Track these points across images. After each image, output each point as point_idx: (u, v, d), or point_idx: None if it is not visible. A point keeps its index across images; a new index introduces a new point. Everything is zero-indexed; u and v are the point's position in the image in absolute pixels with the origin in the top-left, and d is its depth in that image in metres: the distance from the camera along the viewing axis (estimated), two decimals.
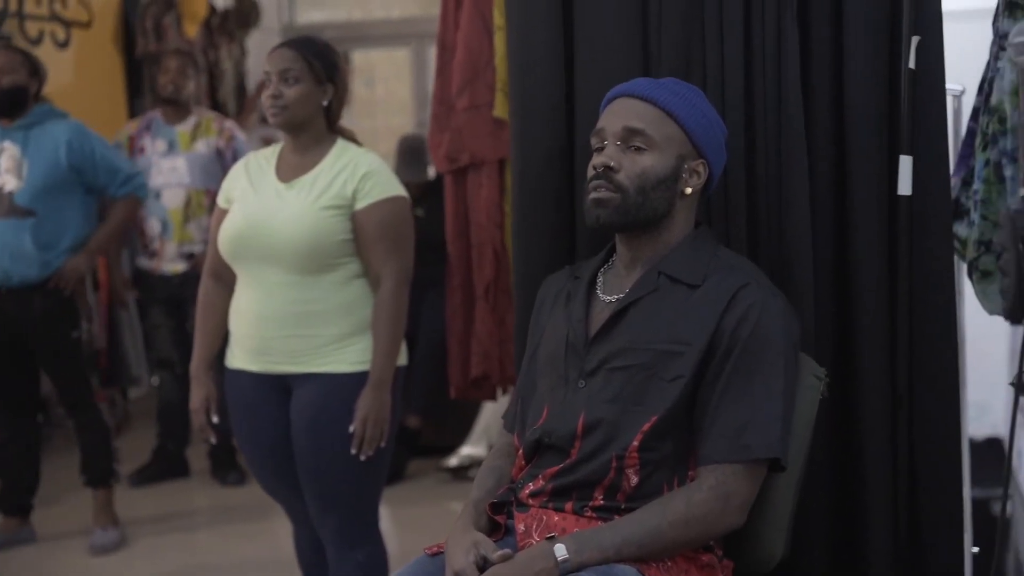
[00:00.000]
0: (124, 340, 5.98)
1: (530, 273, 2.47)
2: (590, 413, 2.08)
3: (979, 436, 4.92)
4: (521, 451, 2.19)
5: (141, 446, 5.56)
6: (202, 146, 5.07)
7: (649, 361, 2.06)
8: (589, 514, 2.06)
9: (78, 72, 6.21)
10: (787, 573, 2.23)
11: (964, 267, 2.77)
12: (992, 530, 4.66)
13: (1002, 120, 2.57)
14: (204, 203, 5.03)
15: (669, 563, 2.01)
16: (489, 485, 2.24)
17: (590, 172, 2.14)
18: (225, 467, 5.28)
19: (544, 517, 2.09)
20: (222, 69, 7.01)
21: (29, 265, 4.18)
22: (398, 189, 2.97)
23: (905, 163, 2.29)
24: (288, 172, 2.97)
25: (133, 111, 6.61)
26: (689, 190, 2.14)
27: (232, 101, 7.03)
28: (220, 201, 3.06)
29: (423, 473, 5.26)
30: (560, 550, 1.96)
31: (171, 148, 5.05)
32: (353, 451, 2.91)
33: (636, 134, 2.10)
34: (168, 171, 5.01)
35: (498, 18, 3.62)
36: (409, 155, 5.54)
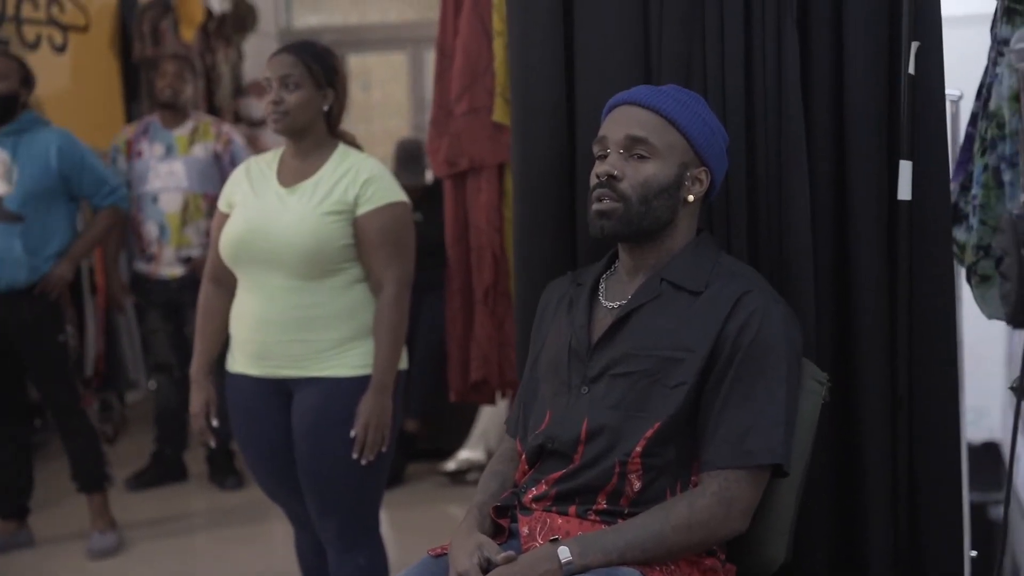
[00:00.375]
0: (122, 344, 5.99)
1: (531, 278, 2.48)
2: (593, 419, 2.08)
3: (976, 440, 4.93)
4: (524, 456, 2.20)
5: (139, 450, 5.57)
6: (200, 150, 5.07)
7: (652, 367, 2.07)
8: (592, 518, 2.07)
9: (75, 76, 6.21)
10: None
11: (962, 271, 2.78)
12: (989, 534, 4.67)
13: (1001, 125, 2.58)
14: (202, 207, 5.04)
15: (672, 567, 2.02)
16: (492, 489, 2.25)
17: (593, 180, 2.15)
18: (223, 471, 5.28)
19: (548, 520, 2.10)
20: (219, 73, 7.01)
21: (18, 270, 4.20)
22: (400, 195, 2.98)
23: (905, 168, 2.30)
24: (290, 177, 2.98)
25: (130, 115, 6.61)
26: (691, 198, 2.14)
27: (229, 105, 7.03)
28: (221, 205, 3.07)
29: (421, 477, 5.27)
30: (564, 552, 1.96)
31: (169, 152, 5.05)
32: (355, 455, 2.91)
33: (639, 142, 2.11)
34: (166, 175, 5.01)
35: (497, 23, 3.63)
36: (406, 159, 5.56)
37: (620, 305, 2.15)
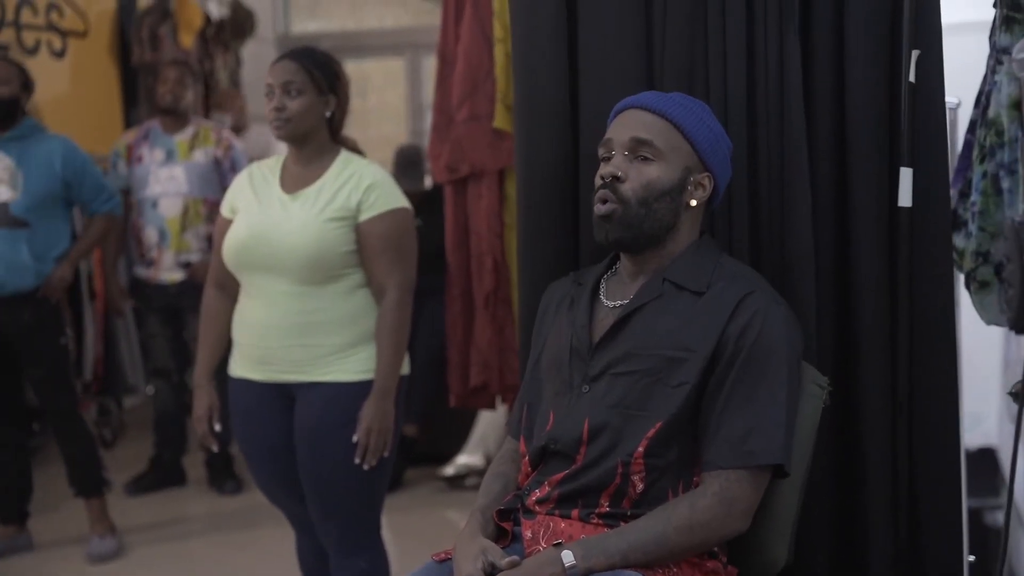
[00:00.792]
0: (120, 349, 6.00)
1: (534, 281, 2.49)
2: (594, 418, 2.10)
3: (972, 446, 4.94)
4: (527, 458, 2.21)
5: (137, 455, 5.58)
6: (200, 155, 5.09)
7: (653, 367, 2.08)
8: (595, 521, 2.08)
9: (74, 82, 6.22)
10: None
11: (960, 278, 2.80)
12: (986, 539, 4.68)
13: (1000, 133, 2.60)
14: (202, 212, 5.05)
15: (675, 569, 2.03)
16: (495, 492, 2.26)
17: (597, 182, 2.17)
18: (222, 476, 5.29)
19: (551, 524, 2.11)
20: (217, 79, 7.02)
21: (24, 275, 4.23)
22: (402, 201, 3.00)
23: (905, 175, 2.32)
24: (292, 183, 2.99)
25: (129, 121, 6.63)
26: (694, 202, 2.16)
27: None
28: (224, 211, 3.08)
29: (420, 482, 5.28)
30: (567, 556, 1.97)
31: (169, 157, 5.07)
32: (357, 460, 2.93)
33: (644, 144, 2.13)
34: (166, 180, 5.03)
35: (498, 30, 3.65)
36: (406, 165, 5.58)
37: (622, 304, 2.17)
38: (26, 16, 5.87)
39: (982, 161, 2.67)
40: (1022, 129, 2.56)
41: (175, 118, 5.13)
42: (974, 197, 2.70)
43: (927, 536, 2.40)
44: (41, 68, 5.48)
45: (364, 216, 2.93)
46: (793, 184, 2.34)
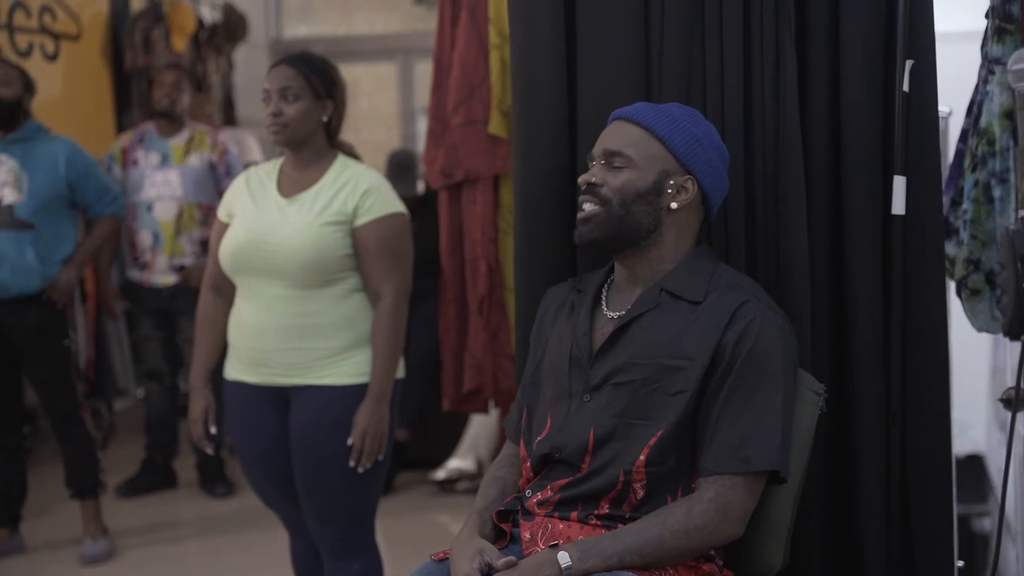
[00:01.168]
0: (111, 352, 6.01)
1: (531, 286, 2.51)
2: (599, 428, 2.12)
3: (960, 453, 4.98)
4: (529, 463, 2.23)
5: (127, 458, 5.58)
6: (195, 160, 5.10)
7: (652, 375, 2.11)
8: (594, 522, 2.11)
9: (66, 85, 6.23)
10: None
11: (951, 285, 2.82)
12: (973, 545, 4.72)
13: (991, 142, 2.63)
14: (196, 216, 5.07)
15: (671, 572, 2.06)
16: (492, 495, 2.29)
17: (579, 190, 2.22)
18: (213, 479, 5.29)
19: (549, 525, 2.13)
20: (209, 83, 7.04)
21: (30, 277, 4.23)
22: (398, 206, 3.02)
23: (899, 183, 2.34)
24: (289, 187, 3.01)
25: (121, 124, 6.64)
26: (675, 205, 2.18)
27: (219, 114, 7.06)
28: (221, 215, 3.10)
29: (411, 486, 5.29)
30: (564, 557, 2.00)
31: (164, 161, 5.08)
32: (352, 464, 2.94)
33: (614, 155, 2.18)
34: (161, 184, 5.04)
35: (494, 36, 3.68)
36: (398, 170, 5.59)
37: (620, 315, 2.19)
38: (19, 19, 5.87)
39: (974, 170, 2.70)
40: (1014, 138, 2.60)
41: (171, 122, 5.15)
42: (965, 205, 2.73)
43: (919, 541, 2.43)
44: (34, 71, 5.43)
45: (360, 220, 2.95)
46: (788, 192, 2.37)
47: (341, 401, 2.96)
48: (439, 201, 4.11)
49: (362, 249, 2.95)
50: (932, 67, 2.36)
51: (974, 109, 2.75)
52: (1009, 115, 2.61)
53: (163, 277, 5.08)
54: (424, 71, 8.03)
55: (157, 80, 5.20)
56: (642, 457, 2.08)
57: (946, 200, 2.81)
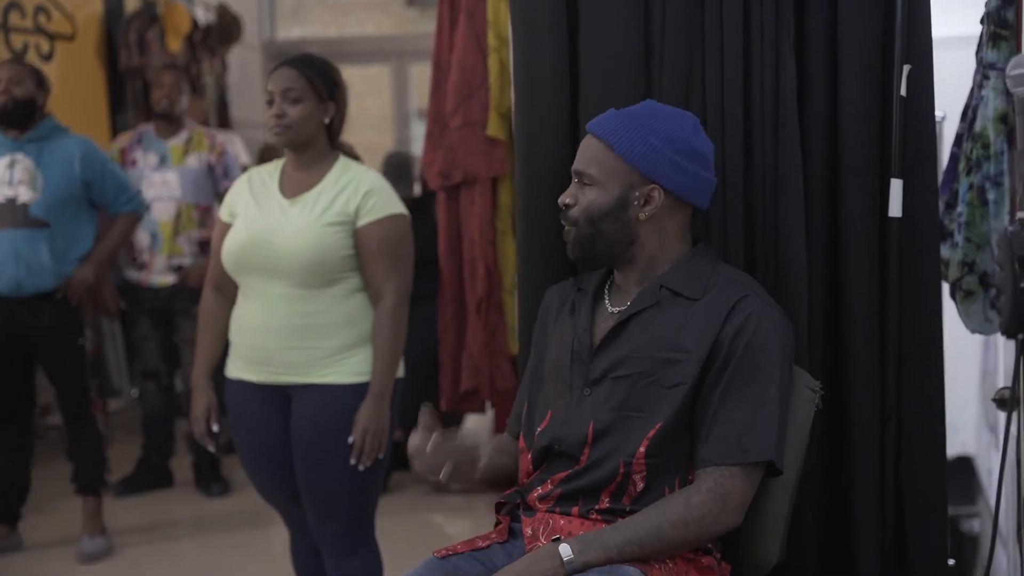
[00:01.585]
0: (106, 352, 6.02)
1: (534, 287, 2.54)
2: (598, 421, 2.16)
3: (949, 455, 5.01)
4: (530, 457, 2.27)
5: (123, 457, 5.59)
6: (193, 161, 5.13)
7: (650, 369, 2.15)
8: (594, 516, 2.14)
9: (61, 85, 6.21)
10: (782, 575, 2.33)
11: (945, 288, 2.86)
12: (962, 546, 4.76)
13: (986, 146, 2.67)
14: (194, 217, 5.10)
15: (671, 564, 2.09)
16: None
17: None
18: (209, 478, 5.32)
19: (550, 521, 2.17)
20: (203, 83, 7.06)
21: (44, 276, 4.25)
22: (399, 207, 3.05)
23: (896, 186, 2.38)
24: (291, 188, 3.04)
25: (115, 124, 6.65)
26: (643, 216, 2.20)
27: (213, 115, 7.08)
28: (223, 215, 3.12)
29: (405, 485, 5.31)
30: (565, 550, 2.04)
31: (163, 162, 5.11)
32: (352, 461, 2.97)
33: (580, 174, 2.23)
34: (159, 184, 5.06)
35: (492, 39, 3.72)
36: (394, 172, 5.61)
37: (620, 311, 2.23)
38: (14, 19, 5.89)
39: (968, 173, 2.74)
40: (1008, 142, 2.64)
41: (169, 123, 5.17)
42: (960, 208, 2.77)
43: (912, 537, 2.47)
44: None
45: (362, 221, 2.98)
46: (787, 194, 2.40)
47: (342, 400, 2.99)
48: (437, 203, 4.15)
49: (364, 250, 2.98)
50: (929, 72, 2.40)
51: (969, 113, 2.79)
52: (1004, 119, 2.65)
53: (161, 277, 5.10)
54: (418, 73, 8.07)
55: (156, 81, 5.22)
56: (642, 449, 2.12)
57: (940, 203, 2.85)
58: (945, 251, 2.82)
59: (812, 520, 2.43)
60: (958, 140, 2.88)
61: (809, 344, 2.40)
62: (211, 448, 3.24)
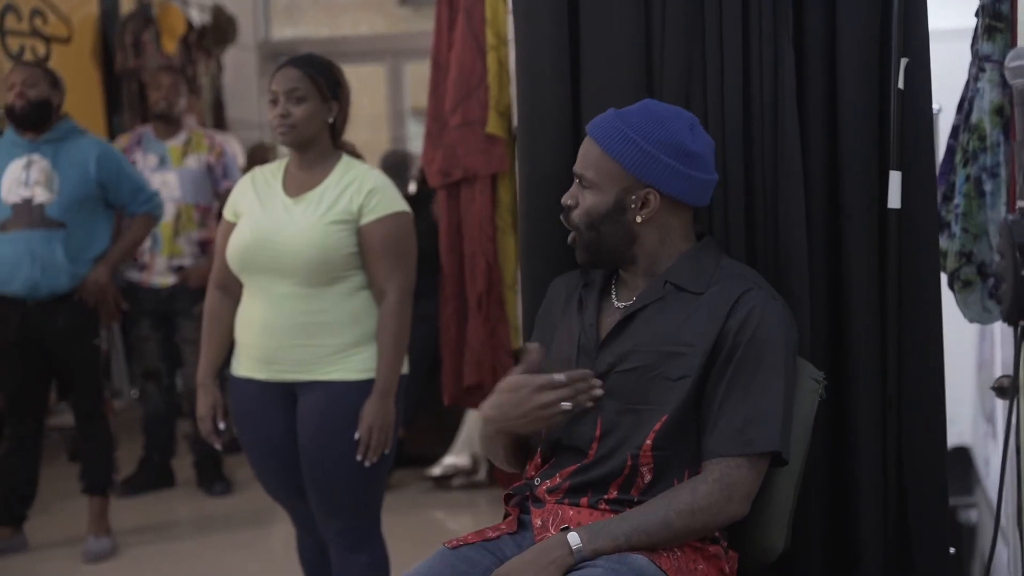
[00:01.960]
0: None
1: (536, 284, 2.55)
2: (606, 415, 2.19)
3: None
4: (539, 450, 2.29)
5: (123, 457, 5.56)
6: (193, 161, 5.15)
7: (655, 362, 2.18)
8: (603, 507, 2.17)
9: None
10: (787, 564, 2.36)
11: (943, 278, 2.89)
12: (959, 536, 4.79)
13: (982, 138, 2.70)
14: (194, 217, 5.12)
15: (679, 553, 2.12)
16: None
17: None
18: (211, 477, 5.34)
19: (560, 512, 2.19)
20: (199, 85, 7.08)
21: (59, 276, 4.27)
22: (402, 205, 3.07)
23: (895, 178, 2.41)
24: (295, 187, 3.06)
25: (111, 126, 6.67)
26: (639, 219, 2.23)
27: (209, 116, 7.10)
28: (227, 215, 3.15)
29: (407, 483, 5.34)
30: (574, 539, 2.07)
31: (162, 163, 5.13)
32: (359, 457, 3.00)
33: (581, 176, 2.26)
34: (159, 185, 5.07)
35: (491, 38, 3.74)
36: (391, 170, 5.65)
37: (627, 305, 2.26)
38: (10, 22, 5.91)
39: (965, 165, 2.77)
40: (1004, 134, 2.67)
41: (168, 124, 5.19)
42: (957, 200, 2.80)
43: (914, 526, 2.49)
44: None
45: (366, 219, 3.00)
46: (787, 186, 2.43)
47: (348, 396, 3.02)
48: (438, 200, 4.17)
49: (367, 247, 3.01)
50: (926, 65, 2.43)
51: (965, 105, 2.82)
52: (1000, 111, 2.68)
53: (162, 278, 5.13)
54: (413, 72, 8.09)
55: (153, 83, 5.24)
56: (648, 441, 2.15)
57: (938, 195, 2.88)
58: (943, 242, 2.85)
59: (816, 508, 2.46)
60: (954, 132, 2.91)
61: (811, 335, 2.43)
62: (217, 446, 3.26)
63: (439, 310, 4.40)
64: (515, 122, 3.63)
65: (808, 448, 2.29)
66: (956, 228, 2.80)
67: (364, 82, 8.49)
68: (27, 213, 4.21)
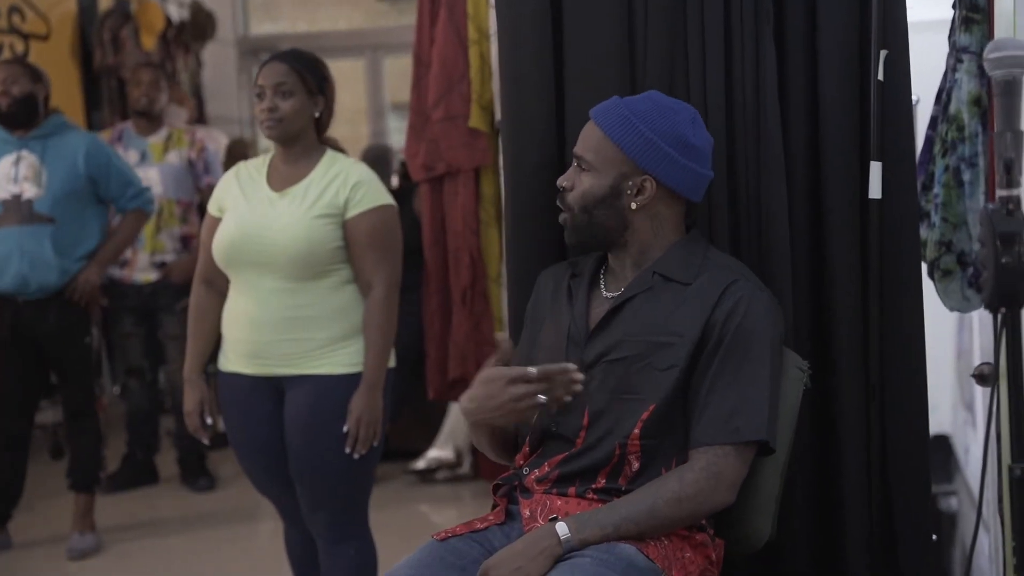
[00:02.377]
0: None
1: (522, 280, 2.57)
2: (593, 405, 2.21)
3: None
4: (527, 439, 2.32)
5: (107, 454, 5.59)
6: (174, 157, 5.15)
7: (643, 352, 2.20)
8: (591, 496, 2.19)
9: None
10: (773, 552, 2.39)
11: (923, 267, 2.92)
12: (940, 523, 4.83)
13: (960, 128, 2.73)
14: (176, 213, 5.12)
15: (666, 541, 2.15)
16: None
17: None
18: (194, 473, 5.34)
19: (548, 502, 2.22)
20: (179, 81, 7.06)
21: (48, 272, 4.26)
22: (387, 198, 3.09)
23: (875, 169, 2.44)
24: (280, 182, 3.07)
25: (91, 123, 6.66)
26: (634, 205, 2.26)
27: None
28: (212, 210, 3.15)
29: (391, 476, 5.35)
30: (562, 528, 2.09)
31: (143, 159, 5.12)
32: (347, 450, 3.01)
33: (579, 159, 2.28)
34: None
35: (473, 32, 3.76)
36: (373, 165, 5.63)
37: (616, 296, 2.28)
38: None
39: (944, 155, 2.79)
40: (982, 124, 2.70)
41: (148, 120, 5.19)
42: (936, 190, 2.82)
43: (898, 513, 2.52)
44: None
45: (351, 213, 3.02)
46: (770, 178, 2.46)
47: (336, 390, 3.03)
48: (420, 194, 4.19)
49: (353, 241, 3.02)
50: (905, 56, 2.46)
51: (943, 96, 2.84)
52: (977, 102, 2.71)
53: (144, 274, 5.12)
54: (392, 67, 8.09)
55: (134, 79, 5.24)
56: (636, 430, 2.17)
57: (917, 185, 2.90)
58: (923, 232, 2.87)
59: (801, 497, 2.48)
60: (933, 123, 2.93)
61: (795, 324, 2.45)
62: (205, 440, 3.27)
63: (423, 304, 4.42)
64: (498, 116, 3.65)
65: (793, 436, 2.32)
66: (936, 218, 2.83)
67: (343, 77, 8.46)
68: (16, 209, 4.21)
